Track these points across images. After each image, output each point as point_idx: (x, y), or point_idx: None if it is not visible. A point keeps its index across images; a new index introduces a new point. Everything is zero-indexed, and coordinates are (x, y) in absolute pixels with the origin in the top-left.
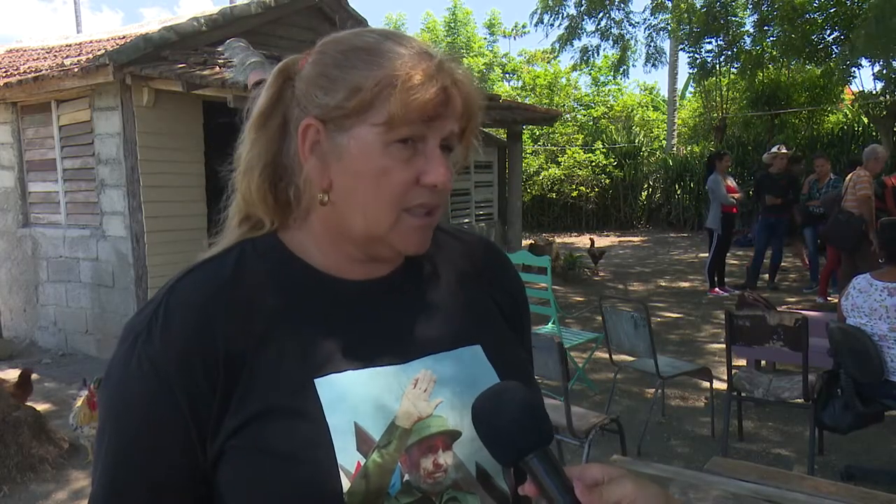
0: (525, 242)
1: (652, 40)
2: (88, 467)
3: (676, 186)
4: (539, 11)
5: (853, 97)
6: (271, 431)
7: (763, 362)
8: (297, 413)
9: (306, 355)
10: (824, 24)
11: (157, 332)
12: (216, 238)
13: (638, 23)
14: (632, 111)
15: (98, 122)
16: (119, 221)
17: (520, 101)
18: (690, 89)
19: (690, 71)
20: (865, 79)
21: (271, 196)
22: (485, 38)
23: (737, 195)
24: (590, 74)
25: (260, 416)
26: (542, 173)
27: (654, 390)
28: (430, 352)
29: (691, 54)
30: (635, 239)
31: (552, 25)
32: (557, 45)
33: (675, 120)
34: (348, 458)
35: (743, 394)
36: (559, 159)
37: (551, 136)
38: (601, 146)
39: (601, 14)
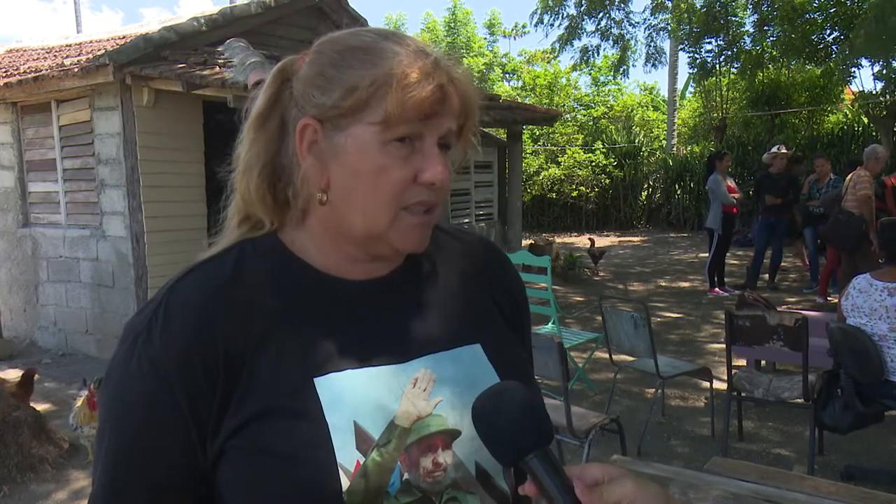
0: (525, 242)
1: (652, 40)
2: (88, 467)
3: (676, 186)
4: (539, 11)
5: (853, 97)
6: (271, 431)
7: (763, 362)
8: (296, 412)
9: (306, 355)
10: (824, 24)
11: (157, 332)
12: (216, 238)
13: (638, 23)
14: (632, 111)
15: (98, 122)
16: (119, 221)
17: (520, 101)
18: (690, 89)
19: (690, 71)
20: (865, 79)
21: (270, 196)
22: (485, 38)
23: (737, 195)
24: (590, 74)
25: (260, 416)
26: (542, 173)
27: (654, 390)
28: (430, 351)
29: (691, 54)
30: (635, 239)
31: (552, 25)
32: (557, 45)
33: (675, 120)
34: (348, 457)
35: (743, 394)
36: (559, 159)
37: (551, 136)
38: (601, 146)
39: (601, 14)
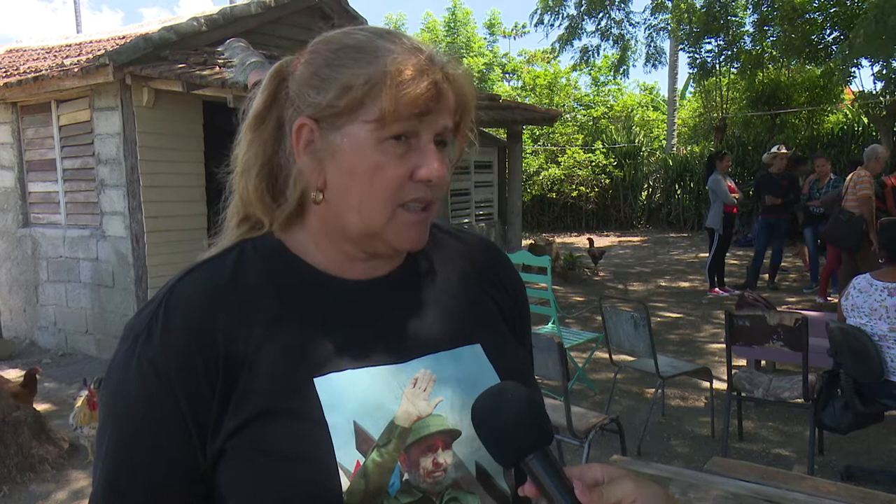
0: (525, 242)
1: (652, 40)
2: (88, 467)
3: (676, 186)
4: (539, 11)
5: (853, 97)
6: (271, 431)
7: (763, 362)
8: (296, 412)
9: (306, 355)
10: (824, 24)
11: (157, 333)
12: (215, 238)
13: (638, 23)
14: (632, 111)
15: (98, 122)
16: (119, 221)
17: (520, 101)
18: (690, 89)
19: (690, 71)
20: (865, 79)
21: (268, 196)
22: (485, 38)
23: (736, 195)
24: (590, 74)
25: (260, 416)
26: (542, 173)
27: (654, 390)
28: (430, 351)
29: (691, 54)
30: (635, 239)
31: (552, 26)
32: (557, 45)
33: (675, 120)
34: (348, 457)
35: (743, 394)
36: (559, 159)
37: (551, 136)
38: (601, 146)
39: (601, 14)
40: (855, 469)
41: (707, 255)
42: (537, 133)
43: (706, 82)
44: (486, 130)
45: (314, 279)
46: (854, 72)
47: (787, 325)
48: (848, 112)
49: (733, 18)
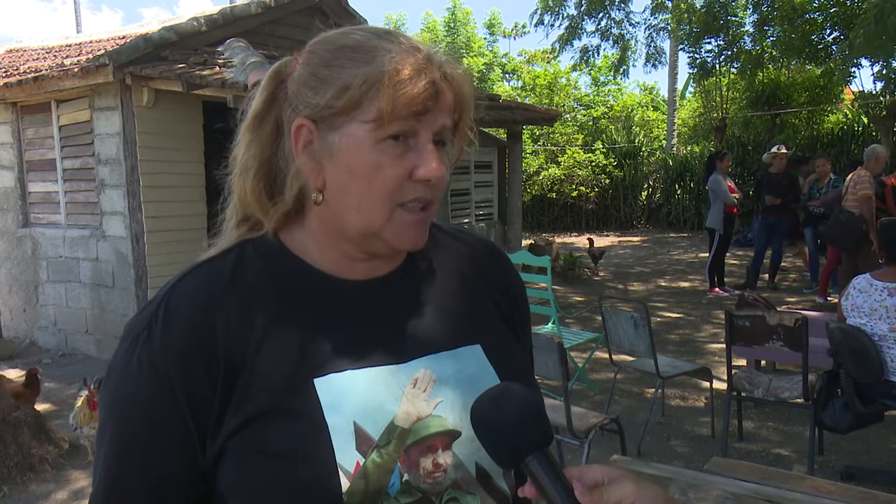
0: (525, 242)
1: (652, 40)
2: (88, 467)
3: (676, 186)
4: (539, 12)
5: (853, 97)
6: (271, 431)
7: (763, 362)
8: (296, 413)
9: (306, 355)
10: (824, 24)
11: (157, 333)
12: (215, 239)
13: (638, 23)
14: (632, 111)
15: (98, 122)
16: (119, 221)
17: (520, 101)
18: (690, 89)
19: (690, 71)
20: (865, 79)
21: (267, 197)
22: (485, 38)
23: (736, 195)
24: (590, 74)
25: (259, 416)
26: (542, 173)
27: (654, 390)
28: (430, 351)
29: (691, 54)
30: (635, 239)
31: (552, 26)
32: (557, 46)
33: (675, 120)
34: (347, 457)
35: (743, 394)
36: (559, 159)
37: (551, 136)
38: (601, 146)
39: (601, 14)
40: (855, 469)
41: (707, 254)
42: (537, 133)
43: (706, 82)
44: (486, 130)
45: (314, 279)
46: (854, 72)
47: (787, 325)
48: (848, 112)
49: (733, 18)
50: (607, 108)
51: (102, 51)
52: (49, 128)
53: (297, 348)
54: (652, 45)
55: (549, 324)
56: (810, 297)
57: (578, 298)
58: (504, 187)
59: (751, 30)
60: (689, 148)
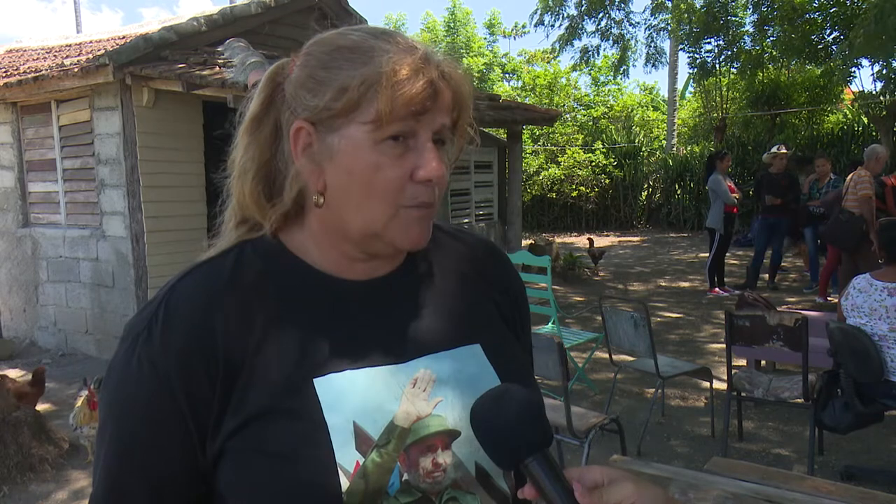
0: (525, 242)
1: (652, 40)
2: (88, 467)
3: (676, 186)
4: (539, 12)
5: (853, 97)
6: (271, 431)
7: (763, 362)
8: (296, 413)
9: (305, 355)
10: (824, 24)
11: (157, 333)
12: (215, 240)
13: (638, 23)
14: (632, 111)
15: (98, 122)
16: (119, 221)
17: (520, 101)
18: (690, 89)
19: (690, 71)
20: (865, 79)
21: (265, 199)
22: (485, 38)
23: (736, 195)
24: (590, 74)
25: (259, 416)
26: (542, 173)
27: (654, 390)
28: (430, 351)
29: (691, 54)
30: (635, 239)
31: (552, 26)
32: (557, 46)
33: (675, 120)
34: (347, 457)
35: (743, 394)
36: (559, 159)
37: (551, 136)
38: (601, 146)
39: (601, 14)
40: (855, 469)
41: (707, 254)
42: (537, 133)
43: (706, 82)
44: (486, 130)
45: (314, 280)
46: (854, 72)
47: (787, 325)
48: (848, 112)
49: (733, 18)
50: (607, 108)
51: (102, 51)
52: (49, 128)
53: (297, 348)
54: (652, 45)
55: (549, 324)
56: (810, 297)
57: (578, 298)
58: (504, 187)
59: (751, 30)
60: (689, 148)
